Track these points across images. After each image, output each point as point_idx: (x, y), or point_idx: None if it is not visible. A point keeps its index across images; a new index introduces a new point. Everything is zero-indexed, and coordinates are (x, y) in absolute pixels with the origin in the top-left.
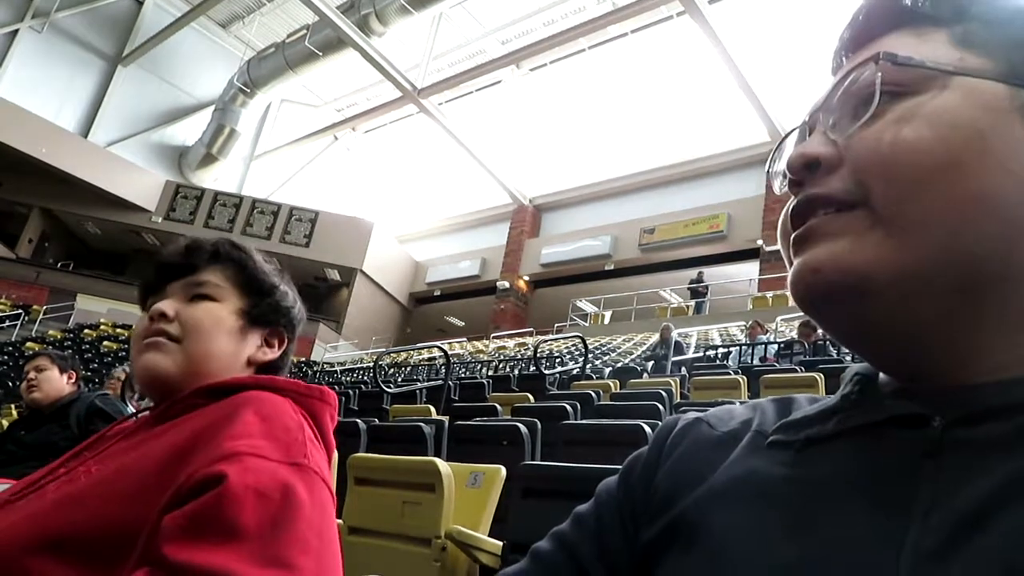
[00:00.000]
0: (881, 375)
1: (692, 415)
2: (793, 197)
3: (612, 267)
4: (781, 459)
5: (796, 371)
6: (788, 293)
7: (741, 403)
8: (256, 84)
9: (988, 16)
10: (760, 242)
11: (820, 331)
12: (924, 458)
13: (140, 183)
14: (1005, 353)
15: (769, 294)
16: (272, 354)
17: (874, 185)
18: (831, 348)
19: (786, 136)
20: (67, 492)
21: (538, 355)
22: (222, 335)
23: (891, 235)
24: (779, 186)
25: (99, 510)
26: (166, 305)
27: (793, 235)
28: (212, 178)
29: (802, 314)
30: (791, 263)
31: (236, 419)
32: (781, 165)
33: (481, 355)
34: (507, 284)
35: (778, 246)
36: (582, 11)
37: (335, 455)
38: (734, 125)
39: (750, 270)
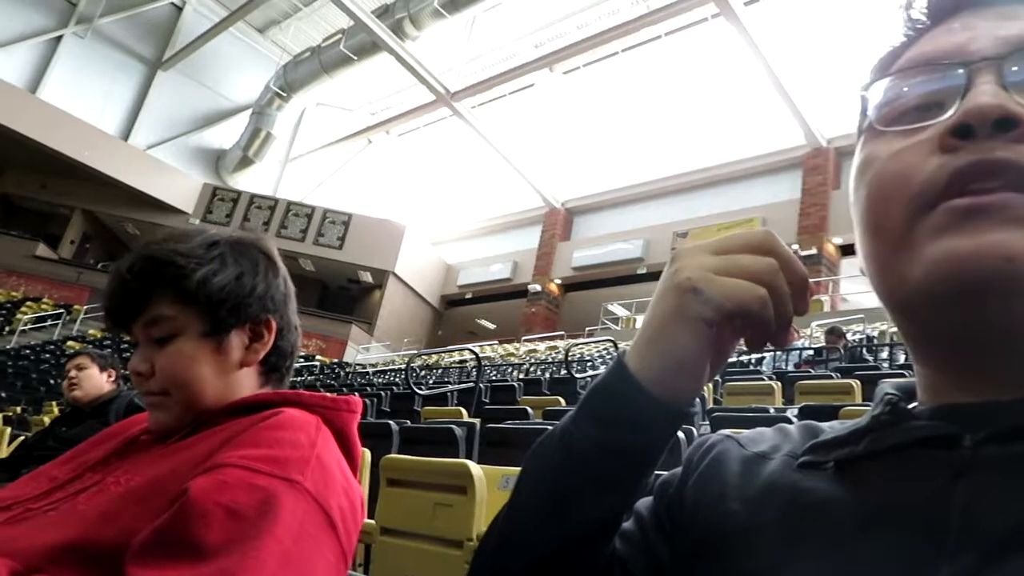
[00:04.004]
0: (920, 393)
1: (724, 432)
2: (930, 144)
3: (644, 271)
4: (812, 480)
5: (832, 377)
6: (924, 264)
7: (776, 411)
8: (292, 88)
9: None
10: (796, 246)
11: (846, 338)
12: (955, 479)
13: (178, 185)
14: None
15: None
16: (264, 346)
17: None
18: (866, 354)
19: (915, 66)
20: (98, 505)
21: (569, 358)
22: (202, 370)
23: None
24: (897, 121)
25: (129, 526)
26: (137, 362)
27: (968, 202)
28: (248, 181)
29: (833, 320)
30: (907, 227)
31: (248, 433)
32: (910, 95)
33: (512, 358)
34: (538, 287)
35: (858, 227)
36: (616, 13)
37: (368, 456)
38: (769, 128)
39: None
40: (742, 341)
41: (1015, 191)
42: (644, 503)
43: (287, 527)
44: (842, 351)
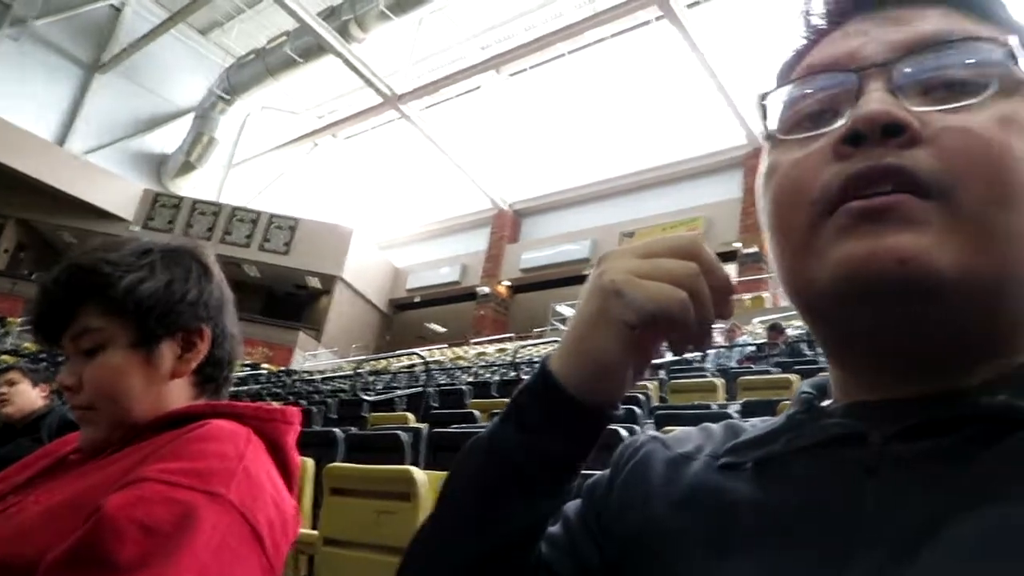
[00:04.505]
0: (833, 391)
1: (650, 434)
2: (827, 151)
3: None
4: (731, 481)
5: (772, 372)
6: (826, 267)
7: (719, 407)
8: (236, 91)
9: (1014, 30)
10: (737, 245)
11: (786, 334)
12: (866, 476)
13: (118, 192)
14: (982, 364)
15: (746, 296)
16: (197, 356)
17: (969, 182)
18: (806, 349)
19: (807, 74)
20: (15, 525)
21: (518, 361)
22: (130, 382)
23: (975, 241)
24: (795, 128)
25: (45, 544)
26: (66, 376)
27: (861, 204)
28: (191, 186)
29: (774, 316)
30: (810, 232)
31: (171, 445)
32: (806, 102)
33: (461, 361)
34: (487, 290)
35: (767, 232)
36: (561, 16)
37: (312, 466)
38: (712, 129)
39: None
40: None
41: (905, 194)
42: (571, 506)
43: (206, 542)
44: (782, 346)
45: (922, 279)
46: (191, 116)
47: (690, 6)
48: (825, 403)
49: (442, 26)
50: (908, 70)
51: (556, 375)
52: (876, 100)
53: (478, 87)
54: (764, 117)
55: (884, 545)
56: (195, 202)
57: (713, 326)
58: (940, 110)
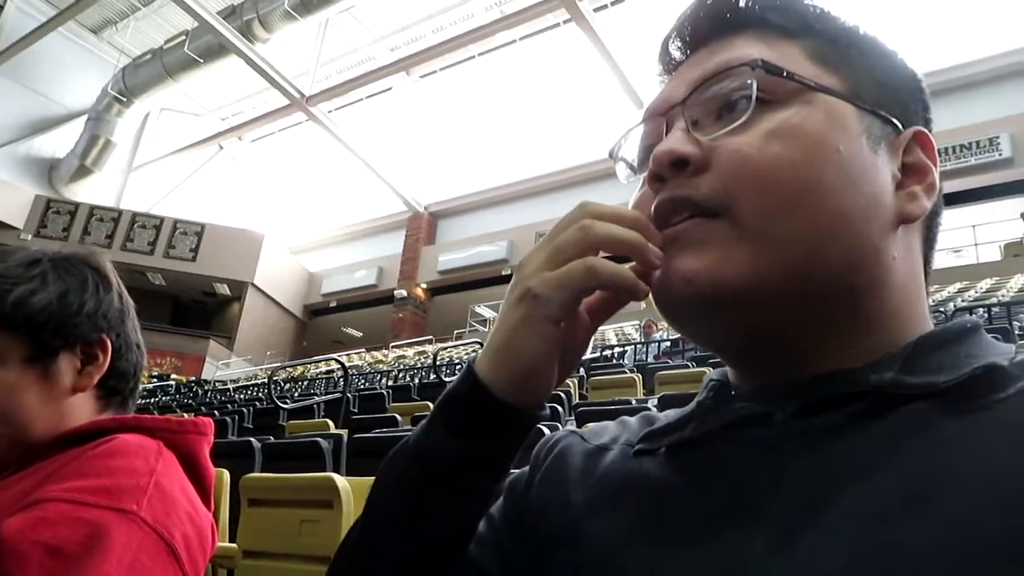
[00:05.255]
0: (732, 378)
1: (569, 429)
2: (650, 190)
3: (509, 272)
4: (646, 467)
5: (688, 367)
6: (653, 292)
7: (637, 402)
8: (132, 92)
9: (832, 35)
10: None
11: (662, 325)
12: (769, 453)
13: (5, 199)
14: (851, 348)
15: None
16: (99, 368)
17: (743, 197)
18: None
19: (635, 125)
20: None
21: (438, 363)
22: (26, 399)
23: (758, 249)
24: (625, 175)
25: None
26: None
27: (665, 232)
28: (87, 191)
29: None
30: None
31: (76, 463)
32: (629, 153)
33: (380, 365)
34: (405, 292)
35: None
36: (471, 18)
37: (227, 477)
38: (622, 130)
39: None
40: (614, 326)
41: (694, 219)
42: (495, 505)
43: (119, 561)
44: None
45: (707, 293)
46: (84, 118)
47: (597, 10)
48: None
49: (350, 27)
50: (696, 103)
51: (483, 379)
52: (667, 141)
53: (389, 88)
54: (626, 162)
55: (784, 517)
56: (93, 208)
57: (643, 259)
58: (724, 132)
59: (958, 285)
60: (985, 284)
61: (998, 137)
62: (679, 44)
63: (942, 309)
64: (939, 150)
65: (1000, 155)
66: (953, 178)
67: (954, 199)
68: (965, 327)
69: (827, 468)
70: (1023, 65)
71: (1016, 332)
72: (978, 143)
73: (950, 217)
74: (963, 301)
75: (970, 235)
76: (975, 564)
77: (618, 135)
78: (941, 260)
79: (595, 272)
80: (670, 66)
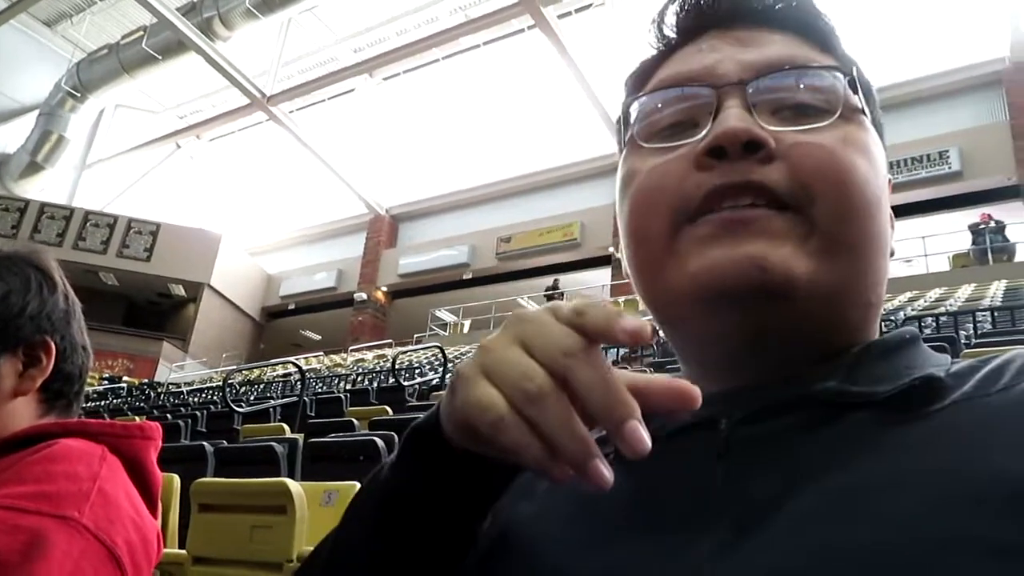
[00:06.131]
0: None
1: None
2: (684, 161)
3: (470, 276)
4: None
5: (646, 371)
6: (689, 273)
7: None
8: (87, 88)
9: (857, 64)
10: (612, 249)
11: (659, 334)
12: (716, 460)
13: None
14: (811, 355)
15: (621, 299)
16: (42, 371)
17: (822, 198)
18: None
19: (667, 87)
20: None
21: (397, 367)
22: None
23: (827, 251)
24: (653, 138)
25: None
26: None
27: (727, 215)
28: (38, 188)
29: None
30: (669, 239)
31: (15, 469)
32: (663, 112)
33: (339, 369)
34: (364, 295)
35: (624, 238)
36: (435, 21)
37: (178, 483)
38: (585, 136)
39: (602, 276)
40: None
41: (764, 207)
42: None
43: (59, 569)
44: (654, 347)
45: (778, 284)
46: (36, 113)
47: (561, 16)
48: None
49: (313, 27)
50: (762, 90)
51: (446, 429)
52: (735, 117)
53: (352, 90)
54: (627, 124)
55: (730, 521)
56: (43, 205)
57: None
58: (791, 130)
59: (908, 295)
60: (934, 294)
61: (948, 151)
62: (697, 11)
63: (893, 318)
64: (891, 163)
65: (950, 168)
66: (904, 190)
67: (905, 211)
68: (904, 338)
69: (773, 473)
70: (973, 81)
71: (962, 341)
72: (928, 156)
73: (901, 228)
74: (913, 310)
75: (920, 246)
76: (919, 564)
77: (630, 88)
78: (893, 269)
79: (497, 431)
80: (691, 33)
